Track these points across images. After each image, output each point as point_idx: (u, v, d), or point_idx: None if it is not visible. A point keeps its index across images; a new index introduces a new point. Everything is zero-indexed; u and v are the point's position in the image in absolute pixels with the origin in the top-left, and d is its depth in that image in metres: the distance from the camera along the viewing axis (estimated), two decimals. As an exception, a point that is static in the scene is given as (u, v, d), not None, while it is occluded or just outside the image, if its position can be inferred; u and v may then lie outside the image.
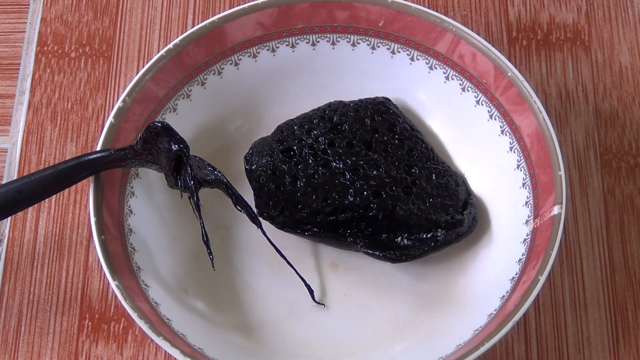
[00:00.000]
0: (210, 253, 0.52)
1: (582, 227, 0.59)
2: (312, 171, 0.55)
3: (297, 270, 0.54)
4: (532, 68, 0.63)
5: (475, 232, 0.55)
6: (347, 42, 0.58)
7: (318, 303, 0.55)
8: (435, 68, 0.57)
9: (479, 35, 0.55)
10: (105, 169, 0.51)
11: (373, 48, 0.58)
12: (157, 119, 0.54)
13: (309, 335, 0.54)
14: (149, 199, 0.55)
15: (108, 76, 0.63)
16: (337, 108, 0.57)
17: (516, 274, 0.51)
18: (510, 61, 0.55)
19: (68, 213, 0.59)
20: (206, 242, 0.52)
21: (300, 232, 0.55)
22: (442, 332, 0.53)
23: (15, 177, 0.60)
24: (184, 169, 0.51)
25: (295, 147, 0.56)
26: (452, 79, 0.57)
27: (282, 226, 0.55)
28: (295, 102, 0.59)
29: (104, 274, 0.50)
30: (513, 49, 0.64)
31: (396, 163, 0.55)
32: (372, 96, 0.58)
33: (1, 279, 0.57)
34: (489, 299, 0.52)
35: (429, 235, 0.54)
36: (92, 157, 0.51)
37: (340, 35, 0.58)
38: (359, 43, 0.58)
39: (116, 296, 0.49)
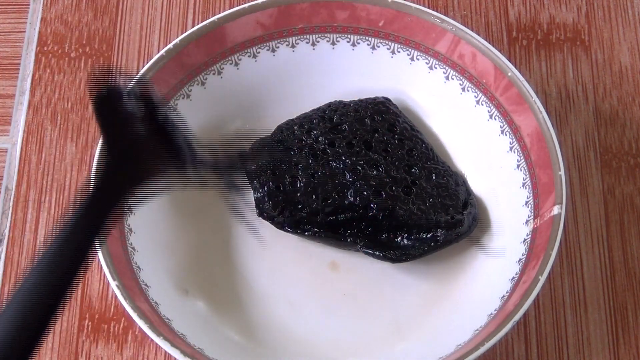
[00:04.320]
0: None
1: (582, 227, 0.58)
2: (312, 171, 0.55)
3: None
4: (532, 68, 0.63)
5: (475, 232, 0.55)
6: (347, 42, 0.58)
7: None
8: (435, 68, 0.57)
9: (479, 35, 0.55)
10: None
11: (373, 48, 0.58)
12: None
13: (309, 335, 0.54)
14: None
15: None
16: (337, 108, 0.57)
17: (516, 274, 0.51)
18: (510, 61, 0.55)
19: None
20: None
21: (300, 232, 0.55)
22: (442, 332, 0.53)
23: (15, 177, 0.60)
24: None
25: (295, 147, 0.56)
26: (452, 79, 0.57)
27: (282, 226, 0.55)
28: (295, 102, 0.59)
29: (104, 274, 0.50)
30: (513, 49, 0.64)
31: (396, 163, 0.55)
32: (372, 96, 0.58)
33: (1, 279, 0.57)
34: (489, 299, 0.52)
35: (429, 235, 0.54)
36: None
37: (340, 35, 0.58)
38: (359, 43, 0.58)
39: (116, 296, 0.49)
